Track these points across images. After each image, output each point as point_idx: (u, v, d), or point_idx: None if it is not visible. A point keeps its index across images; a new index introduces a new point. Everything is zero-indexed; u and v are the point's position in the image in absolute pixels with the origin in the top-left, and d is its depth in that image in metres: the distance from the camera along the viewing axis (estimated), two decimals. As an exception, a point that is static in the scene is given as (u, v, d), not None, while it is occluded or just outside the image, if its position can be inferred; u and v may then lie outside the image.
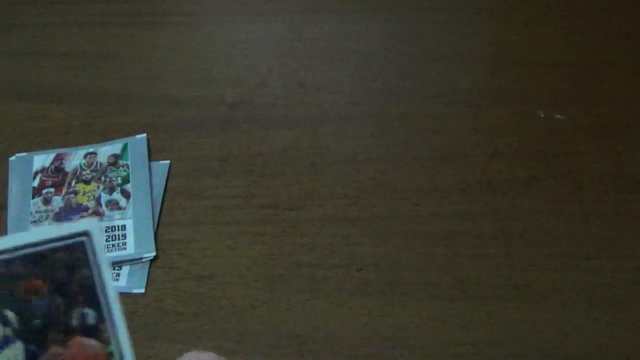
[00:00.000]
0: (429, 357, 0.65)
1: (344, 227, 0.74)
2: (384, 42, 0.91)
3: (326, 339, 0.67)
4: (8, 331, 0.39)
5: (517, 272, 0.70)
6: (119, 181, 0.77)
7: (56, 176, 0.78)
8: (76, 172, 0.78)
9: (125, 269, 0.72)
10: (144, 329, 0.68)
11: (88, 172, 0.78)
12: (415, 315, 0.68)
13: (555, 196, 0.75)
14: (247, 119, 0.84)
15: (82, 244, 0.40)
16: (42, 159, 0.79)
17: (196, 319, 0.68)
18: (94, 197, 0.76)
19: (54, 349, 0.40)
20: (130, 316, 0.68)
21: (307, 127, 0.83)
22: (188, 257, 0.73)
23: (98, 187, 0.77)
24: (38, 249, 0.39)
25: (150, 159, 0.79)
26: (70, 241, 0.40)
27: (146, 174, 0.78)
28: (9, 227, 0.74)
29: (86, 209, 0.75)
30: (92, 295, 0.40)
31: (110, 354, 0.40)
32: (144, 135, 0.81)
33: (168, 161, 0.80)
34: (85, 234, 0.40)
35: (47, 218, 0.75)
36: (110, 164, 0.79)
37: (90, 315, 0.40)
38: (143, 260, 0.72)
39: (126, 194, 0.76)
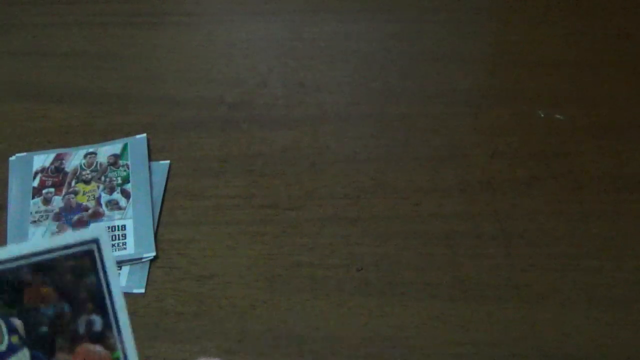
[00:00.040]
0: (429, 357, 0.65)
1: (344, 227, 0.74)
2: (384, 42, 0.91)
3: (326, 339, 0.67)
4: (15, 339, 0.39)
5: (517, 272, 0.70)
6: (119, 181, 0.77)
7: (56, 176, 0.78)
8: (76, 172, 0.78)
9: (125, 269, 0.72)
10: (144, 329, 0.68)
11: (88, 172, 0.78)
12: (415, 315, 0.68)
13: (555, 196, 0.75)
14: (247, 119, 0.84)
15: (90, 251, 0.40)
16: (42, 159, 0.79)
17: (196, 319, 0.68)
18: (94, 197, 0.76)
19: (61, 356, 0.40)
20: (130, 316, 0.68)
21: (307, 127, 0.83)
22: (188, 257, 0.73)
23: (98, 187, 0.77)
24: (46, 257, 0.39)
25: (150, 159, 0.80)
26: (78, 249, 0.40)
27: (146, 174, 0.78)
28: (9, 227, 0.74)
29: (86, 209, 0.75)
30: (99, 303, 0.40)
31: None
32: (144, 135, 0.81)
33: (168, 161, 0.80)
34: (94, 241, 0.40)
35: (47, 218, 0.75)
36: (110, 164, 0.79)
37: (97, 322, 0.40)
38: (143, 260, 0.72)
39: (126, 194, 0.76)
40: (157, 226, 0.75)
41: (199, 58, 0.90)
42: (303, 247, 0.73)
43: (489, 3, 0.96)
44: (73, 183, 0.77)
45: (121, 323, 0.40)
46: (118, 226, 0.74)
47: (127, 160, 0.79)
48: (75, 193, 0.77)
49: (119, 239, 0.73)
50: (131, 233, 0.73)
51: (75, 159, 0.79)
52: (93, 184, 0.77)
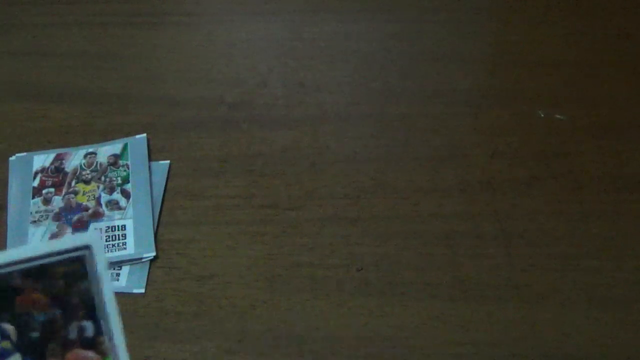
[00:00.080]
0: (429, 357, 0.65)
1: (344, 227, 0.74)
2: (384, 42, 0.91)
3: (326, 339, 0.67)
4: (7, 344, 0.39)
5: (517, 272, 0.70)
6: (119, 181, 0.77)
7: (56, 176, 0.78)
8: (76, 172, 0.78)
9: (125, 269, 0.72)
10: (144, 329, 0.68)
11: (88, 172, 0.78)
12: (415, 315, 0.68)
13: (555, 196, 0.75)
14: (247, 119, 0.84)
15: (82, 257, 0.40)
16: (42, 159, 0.79)
17: (196, 319, 0.68)
18: (94, 197, 0.76)
19: None
20: (130, 316, 0.68)
21: (307, 127, 0.83)
22: (188, 257, 0.73)
23: (98, 187, 0.77)
24: (38, 262, 0.39)
25: (150, 159, 0.80)
26: (71, 255, 0.40)
27: (146, 174, 0.78)
28: (9, 227, 0.74)
29: (86, 209, 0.75)
30: (91, 309, 0.40)
31: None
32: (144, 135, 0.81)
33: (168, 161, 0.80)
34: (86, 247, 0.40)
35: (47, 218, 0.75)
36: (110, 164, 0.79)
37: (89, 328, 0.40)
38: (143, 260, 0.72)
39: (126, 194, 0.76)
40: (157, 226, 0.75)
41: (199, 58, 0.90)
42: (303, 247, 0.73)
43: (489, 3, 0.96)
44: (73, 183, 0.77)
45: (113, 329, 0.40)
46: (118, 226, 0.74)
47: (127, 160, 0.79)
48: (75, 193, 0.77)
49: (119, 239, 0.73)
50: (131, 233, 0.73)
51: (75, 159, 0.79)
52: (93, 184, 0.77)
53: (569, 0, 0.94)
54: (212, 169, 0.79)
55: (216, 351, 0.66)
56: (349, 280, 0.70)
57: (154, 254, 0.72)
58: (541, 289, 0.69)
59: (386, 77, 0.87)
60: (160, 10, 0.96)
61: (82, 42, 0.93)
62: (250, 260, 0.72)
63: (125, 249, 0.72)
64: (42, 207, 0.76)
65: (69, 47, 0.92)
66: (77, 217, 0.75)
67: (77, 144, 0.81)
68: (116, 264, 0.71)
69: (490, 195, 0.76)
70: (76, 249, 0.40)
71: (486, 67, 0.88)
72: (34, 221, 0.75)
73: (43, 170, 0.79)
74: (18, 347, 0.39)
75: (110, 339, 0.40)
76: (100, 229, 0.74)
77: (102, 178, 0.78)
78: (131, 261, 0.72)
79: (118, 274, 0.71)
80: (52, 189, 0.77)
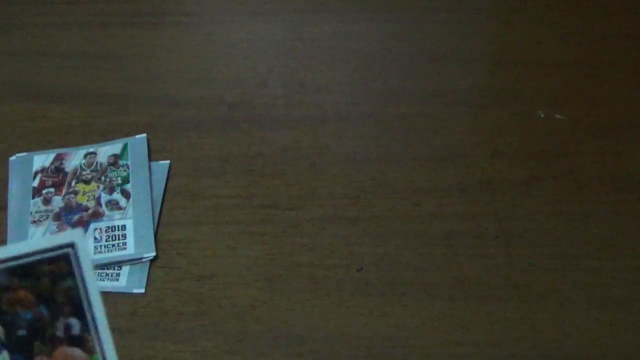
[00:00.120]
0: (429, 357, 0.65)
1: (344, 227, 0.74)
2: (384, 42, 0.91)
3: (326, 339, 0.67)
4: None
5: (517, 272, 0.70)
6: (119, 181, 0.77)
7: (56, 176, 0.78)
8: (76, 172, 0.78)
9: (125, 269, 0.72)
10: (144, 329, 0.68)
11: (88, 172, 0.78)
12: (415, 315, 0.68)
13: (555, 196, 0.75)
14: (247, 119, 0.84)
15: (67, 255, 0.40)
16: (42, 159, 0.79)
17: (196, 319, 0.68)
18: (94, 197, 0.76)
19: (40, 359, 0.40)
20: (130, 316, 0.68)
21: (307, 127, 0.83)
22: (188, 257, 0.73)
23: (98, 187, 0.77)
24: (23, 261, 0.39)
25: (150, 159, 0.80)
26: (55, 253, 0.40)
27: (146, 174, 0.78)
28: (9, 227, 0.74)
29: (86, 209, 0.75)
30: (77, 306, 0.40)
31: None
32: (144, 135, 0.81)
33: (168, 161, 0.80)
34: (71, 245, 0.40)
35: (47, 218, 0.75)
36: (110, 164, 0.79)
37: (75, 326, 0.40)
38: (143, 260, 0.72)
39: (126, 194, 0.76)
40: (157, 226, 0.75)
41: (199, 58, 0.90)
42: (303, 247, 0.73)
43: (489, 3, 0.96)
44: (73, 183, 0.77)
45: (99, 326, 0.40)
46: (118, 226, 0.74)
47: (127, 160, 0.79)
48: (75, 193, 0.77)
49: (119, 239, 0.73)
50: (131, 233, 0.73)
51: (75, 159, 0.79)
52: (93, 184, 0.77)
53: (569, 0, 0.94)
54: (212, 169, 0.79)
55: (216, 351, 0.66)
56: (349, 280, 0.70)
57: (154, 254, 0.72)
58: (541, 289, 0.69)
59: (386, 77, 0.87)
60: (160, 10, 0.96)
61: (82, 42, 0.93)
62: (250, 260, 0.72)
63: (125, 249, 0.72)
64: (42, 207, 0.76)
65: (69, 47, 0.92)
66: (77, 217, 0.75)
67: (77, 144, 0.81)
68: (116, 264, 0.71)
69: (490, 195, 0.76)
70: (60, 247, 0.40)
71: (486, 67, 0.88)
72: (34, 221, 0.75)
73: (43, 170, 0.79)
74: (5, 345, 0.39)
75: (97, 335, 0.40)
76: (100, 229, 0.74)
77: (102, 178, 0.78)
78: (131, 261, 0.72)
79: (118, 274, 0.71)
80: (52, 189, 0.77)
